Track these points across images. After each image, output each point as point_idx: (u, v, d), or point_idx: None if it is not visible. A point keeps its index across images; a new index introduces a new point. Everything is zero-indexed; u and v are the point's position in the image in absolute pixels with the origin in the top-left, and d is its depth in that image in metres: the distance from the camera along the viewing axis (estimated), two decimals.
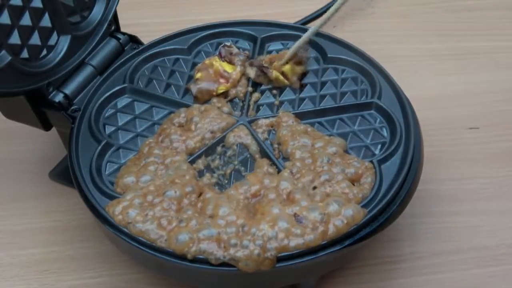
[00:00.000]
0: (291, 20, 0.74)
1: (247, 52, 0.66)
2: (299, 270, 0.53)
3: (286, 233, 0.51)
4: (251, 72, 0.63)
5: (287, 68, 0.63)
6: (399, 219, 0.55)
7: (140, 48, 0.66)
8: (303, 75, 0.64)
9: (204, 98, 0.63)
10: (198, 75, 0.64)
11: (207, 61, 0.65)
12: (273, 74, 0.63)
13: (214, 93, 0.63)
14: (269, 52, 0.67)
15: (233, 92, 0.63)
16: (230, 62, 0.65)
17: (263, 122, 0.61)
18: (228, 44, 0.66)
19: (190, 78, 0.65)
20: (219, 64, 0.64)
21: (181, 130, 0.60)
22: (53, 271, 0.62)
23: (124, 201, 0.54)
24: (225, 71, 0.64)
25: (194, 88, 0.63)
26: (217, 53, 0.66)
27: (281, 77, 0.63)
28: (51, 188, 0.68)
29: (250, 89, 0.63)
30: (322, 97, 0.63)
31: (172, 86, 0.64)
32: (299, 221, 0.52)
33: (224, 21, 0.69)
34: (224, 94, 0.64)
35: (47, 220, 0.65)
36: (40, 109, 0.61)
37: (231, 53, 0.65)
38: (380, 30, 0.82)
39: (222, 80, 0.64)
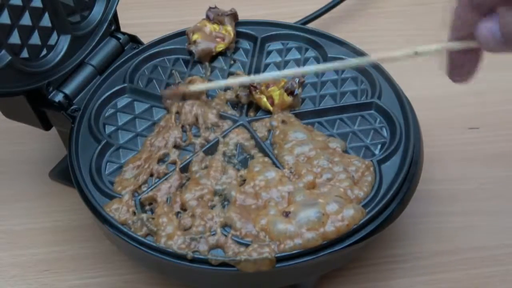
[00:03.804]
0: (291, 20, 0.74)
1: (233, 9, 0.66)
2: (299, 270, 0.53)
3: (286, 233, 0.51)
4: (239, 91, 0.62)
5: (276, 93, 0.61)
6: (399, 219, 0.55)
7: (140, 48, 0.66)
8: (290, 108, 0.61)
9: (206, 58, 0.65)
10: (195, 36, 0.65)
11: (199, 24, 0.66)
12: (258, 95, 0.61)
13: (213, 52, 0.65)
14: (269, 52, 0.67)
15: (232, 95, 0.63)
16: (220, 23, 0.66)
17: (262, 122, 0.61)
18: (213, 6, 0.67)
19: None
20: (211, 26, 0.66)
21: (180, 129, 0.60)
22: (53, 271, 0.62)
23: (123, 200, 0.55)
24: (218, 31, 0.65)
25: (195, 49, 0.65)
26: (205, 17, 0.67)
27: (265, 100, 0.61)
28: (51, 188, 0.68)
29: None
30: (322, 97, 0.63)
31: (172, 86, 0.64)
32: (285, 216, 0.52)
33: None
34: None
35: (47, 220, 0.65)
36: (40, 109, 0.61)
37: (218, 14, 0.66)
38: (380, 30, 0.82)
39: (218, 39, 0.65)
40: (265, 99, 0.61)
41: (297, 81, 0.61)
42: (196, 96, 0.61)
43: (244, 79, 0.61)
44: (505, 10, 0.39)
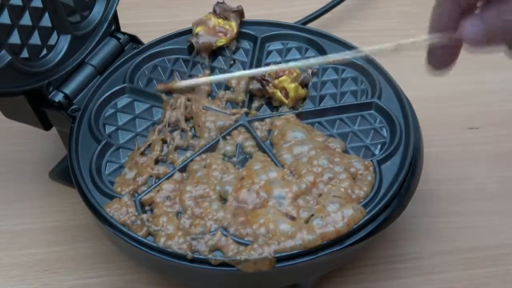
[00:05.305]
0: (291, 20, 0.74)
1: (240, 6, 0.67)
2: (299, 270, 0.53)
3: (286, 234, 0.51)
4: (251, 84, 0.63)
5: (290, 86, 0.61)
6: (399, 219, 0.55)
7: (140, 48, 0.66)
8: (303, 99, 0.62)
9: (206, 51, 0.65)
10: (198, 29, 0.65)
11: (204, 17, 0.66)
12: (271, 89, 0.61)
13: (214, 46, 0.65)
14: (269, 52, 0.67)
15: (233, 96, 0.63)
16: (226, 18, 0.66)
17: (263, 122, 0.61)
18: (221, 1, 0.67)
19: (190, 78, 0.65)
20: (216, 21, 0.66)
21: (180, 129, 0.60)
22: (53, 271, 0.62)
23: (123, 200, 0.55)
24: (222, 26, 0.66)
25: (195, 42, 0.65)
26: (212, 11, 0.67)
27: (279, 94, 0.61)
28: (52, 188, 0.68)
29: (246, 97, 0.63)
30: (322, 97, 0.63)
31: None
32: (290, 218, 0.52)
33: None
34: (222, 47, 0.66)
35: (47, 220, 0.65)
36: (40, 108, 0.61)
37: (225, 10, 0.66)
38: (380, 30, 0.82)
39: (220, 34, 0.65)
40: (279, 93, 0.61)
41: (310, 72, 0.61)
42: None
43: (243, 72, 0.62)
44: (489, 7, 0.41)
